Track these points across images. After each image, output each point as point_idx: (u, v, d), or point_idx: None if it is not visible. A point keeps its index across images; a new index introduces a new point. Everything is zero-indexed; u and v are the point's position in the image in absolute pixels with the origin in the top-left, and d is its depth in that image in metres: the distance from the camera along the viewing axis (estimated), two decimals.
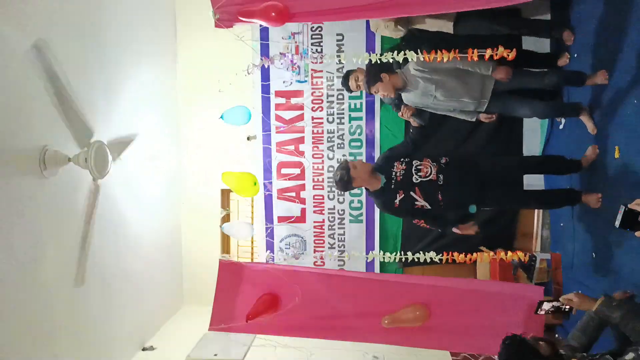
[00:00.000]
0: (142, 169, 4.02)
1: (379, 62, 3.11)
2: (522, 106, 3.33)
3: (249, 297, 3.18)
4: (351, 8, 3.04)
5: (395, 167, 3.15)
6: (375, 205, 4.18)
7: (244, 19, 2.95)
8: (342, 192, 4.41)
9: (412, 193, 3.09)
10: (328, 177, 4.45)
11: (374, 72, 3.35)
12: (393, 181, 3.10)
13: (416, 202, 3.07)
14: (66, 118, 2.81)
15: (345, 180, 3.02)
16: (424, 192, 3.10)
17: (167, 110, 4.58)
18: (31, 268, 2.68)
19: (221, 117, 3.54)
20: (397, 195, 3.07)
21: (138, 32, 4.00)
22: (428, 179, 3.09)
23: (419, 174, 3.09)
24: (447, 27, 3.56)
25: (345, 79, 3.69)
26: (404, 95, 3.45)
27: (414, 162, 3.15)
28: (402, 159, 3.17)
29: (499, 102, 3.29)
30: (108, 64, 3.51)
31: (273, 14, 2.89)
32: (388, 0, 2.95)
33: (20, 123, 2.58)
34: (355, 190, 4.36)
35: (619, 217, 1.52)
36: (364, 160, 4.33)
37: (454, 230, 3.19)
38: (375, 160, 3.52)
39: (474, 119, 3.48)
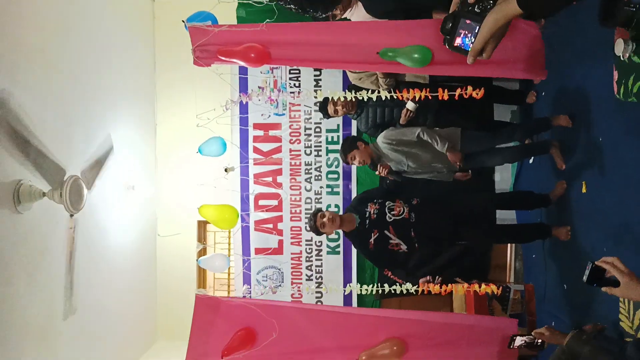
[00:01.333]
0: (118, 200, 3.98)
1: (353, 99, 3.21)
2: (494, 157, 3.55)
3: (225, 333, 3.14)
4: (329, 59, 3.16)
5: (369, 207, 3.32)
6: None
7: (223, 58, 3.00)
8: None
9: (386, 232, 3.23)
10: (305, 209, 4.48)
11: (350, 141, 3.51)
12: (367, 220, 3.24)
13: (390, 240, 3.20)
14: (35, 165, 2.78)
15: (314, 229, 3.27)
16: (397, 230, 3.25)
17: (145, 143, 4.58)
18: (4, 305, 2.61)
19: (199, 150, 3.56)
20: (372, 234, 3.22)
21: (118, 66, 4.03)
22: (401, 217, 3.23)
23: (392, 212, 3.24)
24: (424, 77, 3.68)
25: (324, 105, 3.77)
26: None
27: (387, 202, 3.32)
28: (375, 200, 3.32)
29: (472, 160, 3.49)
30: (85, 98, 3.51)
31: (252, 55, 2.95)
32: (367, 58, 3.06)
33: None
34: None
35: (587, 272, 1.59)
36: (341, 192, 4.41)
37: (421, 281, 3.30)
38: (350, 203, 3.64)
39: (450, 179, 3.62)
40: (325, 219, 3.22)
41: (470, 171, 3.60)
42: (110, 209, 3.84)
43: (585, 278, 1.59)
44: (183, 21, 3.04)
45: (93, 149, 3.51)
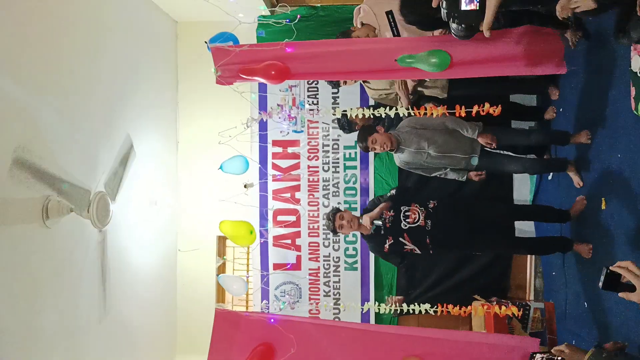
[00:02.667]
0: (141, 215, 4.07)
1: (371, 116, 3.26)
2: (511, 163, 3.48)
3: (244, 348, 3.17)
4: (348, 71, 3.21)
5: (384, 214, 3.29)
6: (369, 252, 4.27)
7: (245, 77, 3.09)
8: (337, 239, 4.51)
9: (401, 239, 3.23)
10: (323, 225, 4.52)
11: (368, 127, 3.51)
12: (382, 228, 3.22)
13: (405, 246, 3.20)
14: (63, 194, 2.83)
15: (332, 228, 3.28)
16: (412, 237, 3.24)
17: (167, 160, 4.68)
18: (30, 318, 2.69)
19: (220, 167, 3.64)
20: (387, 240, 3.22)
21: (142, 85, 4.15)
22: (416, 224, 3.20)
23: (407, 220, 3.23)
24: (442, 94, 3.67)
25: (344, 116, 3.82)
26: (397, 157, 3.57)
27: (402, 207, 3.28)
28: (390, 206, 3.30)
29: (489, 159, 3.43)
30: (111, 117, 3.62)
31: (273, 72, 3.03)
32: (385, 66, 3.09)
33: (26, 180, 2.64)
34: (350, 237, 4.45)
35: (602, 278, 1.59)
36: (358, 208, 4.44)
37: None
38: (366, 205, 3.64)
39: (464, 178, 3.55)
40: (344, 221, 3.26)
41: (484, 172, 3.54)
42: (133, 224, 3.93)
43: (600, 284, 1.58)
44: (205, 42, 3.14)
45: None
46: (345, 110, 3.76)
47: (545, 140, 3.58)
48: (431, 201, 3.31)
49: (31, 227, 2.71)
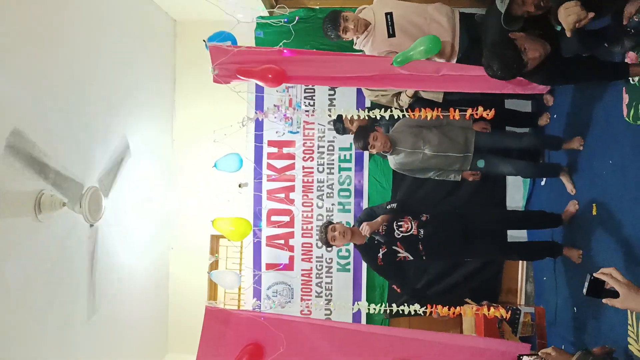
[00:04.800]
0: (134, 212, 4.07)
1: (366, 117, 3.28)
2: (505, 164, 3.51)
3: (233, 346, 3.16)
4: (345, 78, 3.24)
5: None
6: None
7: (242, 77, 3.10)
8: None
9: (394, 247, 3.26)
10: (317, 226, 4.53)
11: (366, 127, 3.53)
12: (376, 236, 3.24)
13: (398, 254, 3.22)
14: (54, 184, 2.84)
15: (325, 242, 3.27)
16: (405, 245, 3.27)
17: (161, 157, 4.69)
18: (19, 312, 2.69)
19: (214, 165, 3.65)
20: (380, 249, 3.23)
21: (139, 83, 4.16)
22: (409, 233, 3.25)
23: (400, 229, 3.25)
24: (438, 97, 3.71)
25: (339, 119, 3.84)
26: (391, 160, 3.58)
27: (394, 219, 3.30)
28: None
29: (482, 159, 3.46)
30: (106, 112, 3.62)
31: (270, 75, 3.04)
32: (382, 74, 3.13)
33: (17, 166, 2.65)
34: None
35: (586, 285, 1.61)
36: (352, 210, 4.46)
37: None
38: (359, 215, 3.66)
39: (458, 178, 3.57)
40: (336, 233, 3.25)
41: (479, 172, 3.57)
42: (126, 221, 3.93)
43: (584, 290, 1.60)
44: (204, 40, 3.15)
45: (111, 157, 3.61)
46: (341, 115, 3.78)
47: (538, 143, 3.62)
48: (424, 214, 3.34)
49: (23, 221, 2.71)
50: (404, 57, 2.89)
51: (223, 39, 3.29)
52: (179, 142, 4.85)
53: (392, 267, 3.32)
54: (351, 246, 4.49)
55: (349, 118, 3.77)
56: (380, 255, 3.26)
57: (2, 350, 2.56)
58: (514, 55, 2.39)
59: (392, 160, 3.59)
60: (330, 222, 3.36)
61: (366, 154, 4.41)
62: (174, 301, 4.83)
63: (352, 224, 4.49)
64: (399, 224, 3.28)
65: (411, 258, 3.25)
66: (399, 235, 3.23)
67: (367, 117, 3.28)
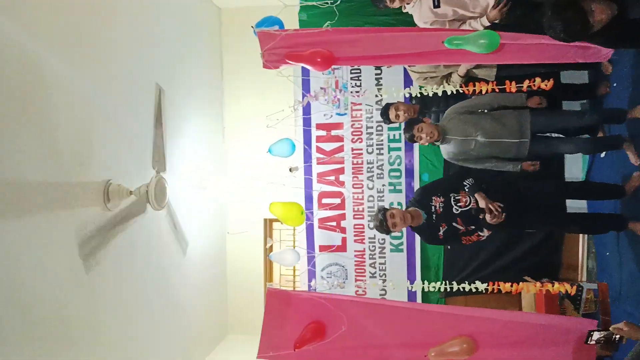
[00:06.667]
0: (191, 200, 4.20)
1: (418, 95, 3.23)
2: (565, 144, 3.39)
3: (295, 325, 3.23)
4: (392, 56, 3.19)
5: (433, 202, 3.25)
6: (415, 235, 4.26)
7: (290, 62, 3.12)
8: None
9: (454, 224, 3.18)
10: (368, 207, 4.54)
11: (413, 119, 3.48)
12: (434, 215, 3.20)
13: (459, 230, 3.17)
14: (156, 148, 3.16)
15: (384, 226, 3.17)
16: (465, 221, 3.19)
17: (214, 145, 4.81)
18: (91, 297, 2.84)
19: (268, 150, 3.71)
20: (441, 227, 3.18)
21: (187, 74, 4.26)
22: (468, 207, 3.16)
23: (458, 204, 3.18)
24: (490, 74, 3.61)
25: (385, 110, 3.80)
26: (443, 149, 3.50)
27: (451, 194, 3.24)
28: (438, 193, 3.26)
29: (541, 143, 3.34)
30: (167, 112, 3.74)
31: (319, 59, 3.04)
32: (430, 50, 3.05)
33: (87, 158, 2.79)
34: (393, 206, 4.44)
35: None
36: (403, 190, 4.43)
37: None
38: (412, 197, 3.58)
39: (517, 169, 3.38)
40: (397, 219, 3.16)
41: (539, 162, 3.40)
42: (184, 209, 4.06)
43: None
44: (252, 27, 3.18)
45: (172, 151, 3.74)
46: (388, 106, 3.72)
47: (600, 120, 3.44)
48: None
49: (93, 210, 2.85)
50: (459, 42, 2.83)
51: (271, 24, 3.30)
52: (230, 130, 4.95)
53: (455, 239, 3.27)
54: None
55: (394, 113, 3.70)
56: (441, 233, 3.21)
57: (77, 331, 2.71)
58: (579, 16, 2.27)
59: (444, 150, 3.51)
60: (384, 209, 3.25)
61: None
62: (232, 284, 4.98)
63: (403, 204, 4.48)
64: (456, 198, 3.20)
65: (472, 227, 3.17)
66: (457, 210, 3.17)
67: (419, 95, 3.23)
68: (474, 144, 3.33)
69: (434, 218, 3.20)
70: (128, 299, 3.23)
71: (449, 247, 4.15)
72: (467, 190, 3.22)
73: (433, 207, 3.24)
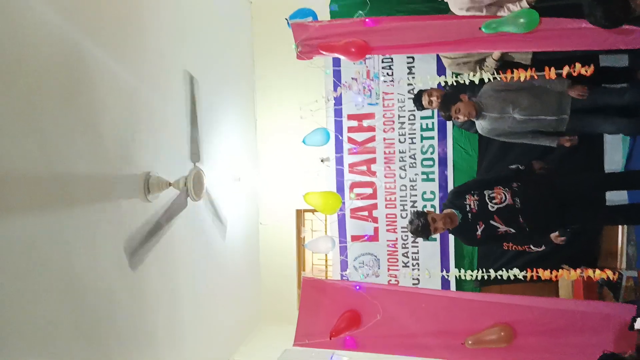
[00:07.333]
0: (226, 191, 4.28)
1: (454, 83, 3.20)
2: (606, 122, 3.30)
3: (331, 313, 3.28)
4: (428, 44, 3.16)
5: (467, 200, 3.19)
6: None
7: (324, 53, 3.13)
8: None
9: (492, 222, 3.11)
10: (400, 196, 4.53)
11: (451, 95, 3.44)
12: (469, 214, 3.14)
13: (498, 229, 3.10)
14: (191, 138, 3.26)
15: (426, 231, 3.08)
16: (503, 218, 3.12)
17: (247, 137, 4.87)
18: (137, 285, 2.93)
19: (303, 141, 3.75)
20: (478, 226, 3.11)
21: (220, 68, 4.32)
22: (505, 204, 3.10)
23: (493, 201, 3.12)
24: (526, 58, 3.55)
25: (418, 97, 3.79)
26: (478, 124, 3.47)
27: (485, 192, 3.18)
28: (472, 191, 3.21)
29: (580, 120, 3.26)
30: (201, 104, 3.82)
31: (353, 49, 3.04)
32: (467, 37, 3.02)
33: (128, 152, 2.87)
34: (428, 209, 4.43)
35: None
36: (436, 179, 4.41)
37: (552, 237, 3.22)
38: (446, 198, 3.54)
39: (554, 144, 3.36)
40: (439, 224, 3.07)
41: (577, 137, 3.36)
42: (219, 200, 4.14)
43: None
44: (286, 19, 3.21)
45: (207, 145, 3.81)
46: (420, 93, 3.69)
47: None
48: (514, 182, 3.19)
49: (135, 201, 2.94)
50: (497, 25, 2.77)
51: (304, 16, 3.33)
52: (262, 121, 5.01)
53: (494, 239, 3.22)
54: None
55: (427, 100, 3.67)
56: (479, 232, 3.12)
57: (124, 321, 2.81)
58: (620, 1, 2.23)
59: (479, 125, 3.49)
60: (423, 213, 3.12)
61: (449, 122, 4.32)
62: (265, 274, 5.05)
63: (436, 192, 4.46)
64: (491, 195, 3.13)
65: (513, 231, 3.09)
66: (493, 208, 3.09)
67: (454, 83, 3.20)
68: (511, 120, 3.31)
69: (469, 217, 3.13)
70: (173, 289, 3.33)
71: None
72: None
73: (468, 206, 3.17)
